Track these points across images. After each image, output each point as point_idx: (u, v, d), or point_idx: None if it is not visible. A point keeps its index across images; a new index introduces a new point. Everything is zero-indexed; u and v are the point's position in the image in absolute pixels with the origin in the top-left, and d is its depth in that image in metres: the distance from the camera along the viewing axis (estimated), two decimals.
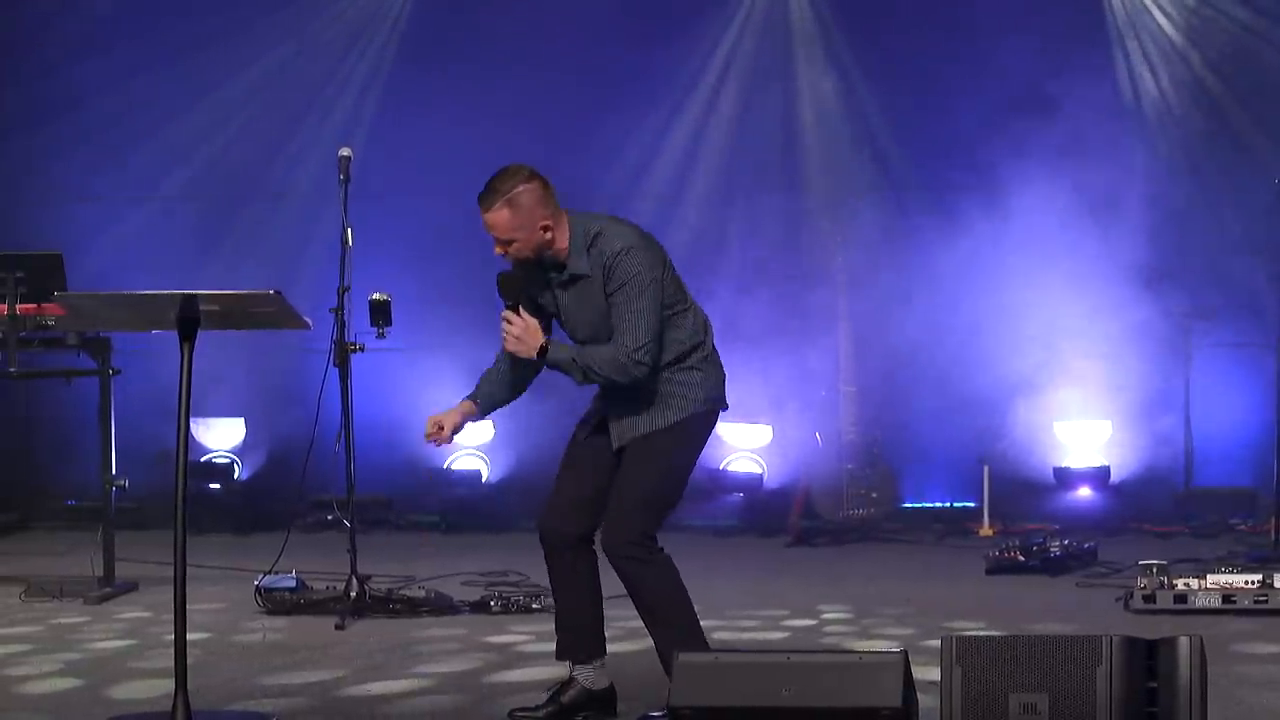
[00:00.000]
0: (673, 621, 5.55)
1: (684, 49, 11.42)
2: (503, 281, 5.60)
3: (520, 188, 5.46)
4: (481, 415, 5.87)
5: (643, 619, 5.64)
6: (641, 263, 5.45)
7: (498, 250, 5.54)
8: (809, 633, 7.42)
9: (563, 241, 5.52)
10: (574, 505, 5.65)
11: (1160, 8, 11.28)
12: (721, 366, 5.72)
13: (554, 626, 5.79)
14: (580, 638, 5.70)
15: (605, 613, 5.75)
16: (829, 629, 7.54)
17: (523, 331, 5.53)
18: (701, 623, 5.64)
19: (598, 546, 5.64)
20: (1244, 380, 10.87)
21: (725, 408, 5.73)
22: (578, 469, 5.70)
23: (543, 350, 5.52)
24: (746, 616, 7.65)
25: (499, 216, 5.46)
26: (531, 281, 5.62)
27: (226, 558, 9.22)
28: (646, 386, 5.54)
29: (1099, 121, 10.93)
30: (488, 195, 5.48)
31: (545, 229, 5.48)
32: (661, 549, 5.57)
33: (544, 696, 5.75)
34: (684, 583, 5.59)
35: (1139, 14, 11.31)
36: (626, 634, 6.57)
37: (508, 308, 5.55)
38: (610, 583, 5.67)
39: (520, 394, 5.83)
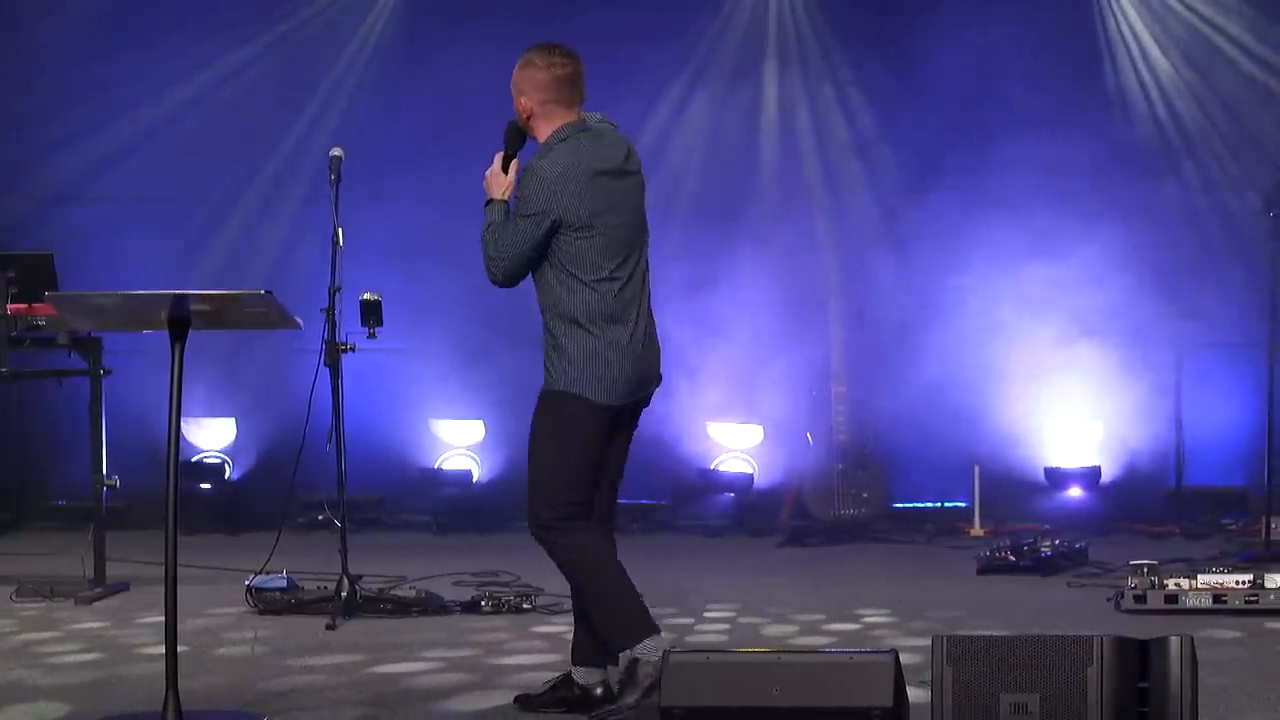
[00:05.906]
0: (591, 610, 5.59)
1: (668, 44, 11.41)
2: (511, 129, 5.72)
3: (533, 58, 5.62)
4: None
5: None
6: (533, 191, 5.49)
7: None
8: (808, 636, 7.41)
9: (545, 132, 5.63)
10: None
11: (1142, 18, 11.32)
12: (633, 363, 5.57)
13: (572, 629, 5.80)
14: (595, 643, 5.68)
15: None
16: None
17: (493, 176, 5.61)
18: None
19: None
20: (1235, 380, 10.88)
21: (603, 405, 5.53)
22: None
23: (491, 202, 5.61)
24: (744, 614, 7.65)
25: (515, 70, 5.65)
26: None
27: (217, 558, 9.22)
28: (549, 332, 5.56)
29: (1090, 124, 10.95)
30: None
31: (524, 105, 5.62)
32: (572, 538, 5.51)
33: (542, 688, 5.77)
34: (608, 571, 5.54)
35: (1124, 22, 11.35)
36: None
37: (504, 154, 5.65)
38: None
39: None
